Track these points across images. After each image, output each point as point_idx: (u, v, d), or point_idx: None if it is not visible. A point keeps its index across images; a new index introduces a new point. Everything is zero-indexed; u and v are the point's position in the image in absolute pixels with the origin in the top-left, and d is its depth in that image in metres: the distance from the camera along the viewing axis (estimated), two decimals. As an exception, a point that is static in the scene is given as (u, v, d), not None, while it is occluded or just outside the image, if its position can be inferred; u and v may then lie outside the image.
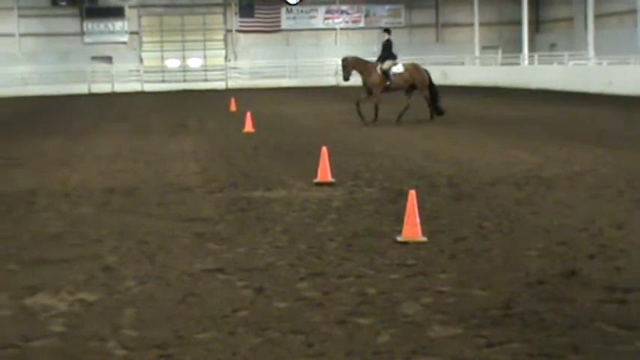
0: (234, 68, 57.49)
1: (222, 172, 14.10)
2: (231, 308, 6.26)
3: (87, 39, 56.52)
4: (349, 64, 23.30)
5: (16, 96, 49.11)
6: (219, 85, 55.54)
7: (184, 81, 56.45)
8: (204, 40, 57.93)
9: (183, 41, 57.53)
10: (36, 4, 55.75)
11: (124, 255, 8.09)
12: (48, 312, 6.29)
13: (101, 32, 56.63)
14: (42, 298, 6.64)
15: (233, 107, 30.67)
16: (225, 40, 58.19)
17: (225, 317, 6.05)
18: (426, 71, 23.83)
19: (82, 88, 52.86)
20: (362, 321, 5.89)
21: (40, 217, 10.25)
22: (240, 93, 43.24)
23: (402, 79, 23.28)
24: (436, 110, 23.35)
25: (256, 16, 58.11)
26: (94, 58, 55.74)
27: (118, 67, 55.75)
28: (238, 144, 18.59)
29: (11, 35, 55.75)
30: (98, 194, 11.92)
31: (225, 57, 58.09)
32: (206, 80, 56.60)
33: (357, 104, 23.13)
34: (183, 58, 57.50)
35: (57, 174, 14.26)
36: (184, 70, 57.57)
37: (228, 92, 47.21)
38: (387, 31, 24.46)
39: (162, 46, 57.48)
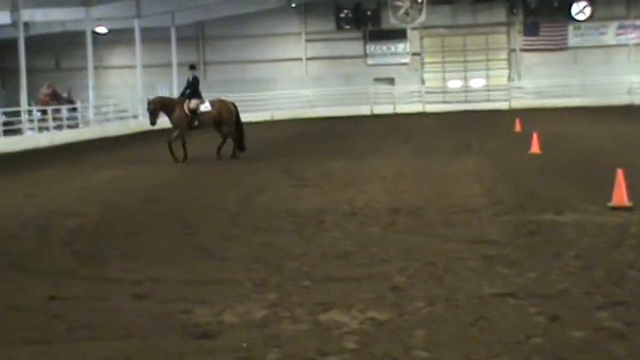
0: (518, 88, 56.49)
1: (508, 193, 13.77)
2: (524, 335, 6.04)
3: (369, 61, 57.98)
4: (156, 108, 22.92)
5: (303, 117, 51.42)
6: (502, 105, 54.76)
7: (466, 101, 56.29)
8: (487, 60, 57.49)
9: (465, 61, 57.46)
10: (322, 28, 58.14)
11: (411, 275, 8.08)
12: (340, 329, 6.40)
13: (383, 54, 57.88)
14: (334, 315, 6.77)
15: (518, 127, 30.03)
16: (508, 59, 57.43)
17: (519, 344, 5.85)
18: (234, 105, 23.16)
19: (364, 110, 54.17)
20: (670, 357, 5.44)
21: (329, 236, 10.51)
22: (524, 113, 42.36)
23: (210, 116, 22.95)
24: (239, 146, 22.81)
25: (541, 34, 56.76)
26: (377, 79, 57.05)
27: (399, 88, 56.70)
28: (523, 165, 18.11)
29: (299, 59, 58.59)
30: (384, 214, 12.05)
31: (509, 76, 57.31)
32: (488, 100, 56.03)
33: (169, 144, 22.52)
34: (465, 78, 57.42)
35: (343, 194, 14.57)
36: (466, 90, 57.46)
37: (511, 112, 46.51)
38: (193, 67, 23.80)
39: (443, 67, 57.73)
